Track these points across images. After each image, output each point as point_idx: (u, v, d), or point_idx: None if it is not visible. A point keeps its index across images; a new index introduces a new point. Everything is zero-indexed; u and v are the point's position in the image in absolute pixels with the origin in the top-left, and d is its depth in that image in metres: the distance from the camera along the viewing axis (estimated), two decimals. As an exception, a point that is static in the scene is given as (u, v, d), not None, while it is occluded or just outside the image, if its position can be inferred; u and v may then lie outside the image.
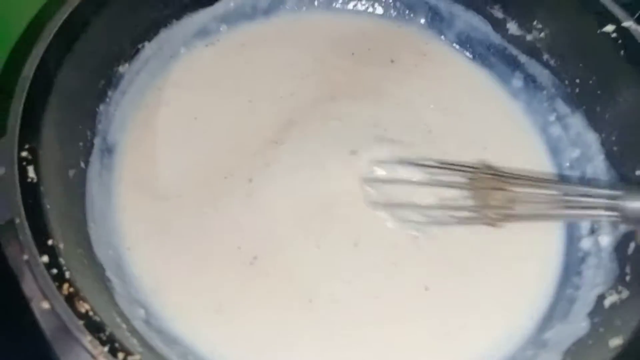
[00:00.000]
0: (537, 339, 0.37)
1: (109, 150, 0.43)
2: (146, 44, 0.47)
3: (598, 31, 0.43)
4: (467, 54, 0.53)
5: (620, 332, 0.32)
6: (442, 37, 0.53)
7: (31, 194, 0.31)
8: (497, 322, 0.39)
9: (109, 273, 0.35)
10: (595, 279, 0.38)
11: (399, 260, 0.40)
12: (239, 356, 0.36)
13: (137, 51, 0.46)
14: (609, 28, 0.42)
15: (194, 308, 0.36)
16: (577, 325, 0.36)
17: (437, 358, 0.37)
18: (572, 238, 0.43)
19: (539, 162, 0.47)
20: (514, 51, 0.50)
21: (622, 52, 0.42)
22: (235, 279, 0.38)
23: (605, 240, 0.40)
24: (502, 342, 0.38)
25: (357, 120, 0.47)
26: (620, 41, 0.42)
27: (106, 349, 0.26)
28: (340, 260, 0.40)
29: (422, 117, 0.48)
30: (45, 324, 0.28)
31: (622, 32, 0.42)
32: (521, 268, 0.42)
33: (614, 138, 0.43)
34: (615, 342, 0.32)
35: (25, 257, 0.28)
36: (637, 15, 0.44)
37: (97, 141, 0.41)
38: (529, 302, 0.40)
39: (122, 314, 0.32)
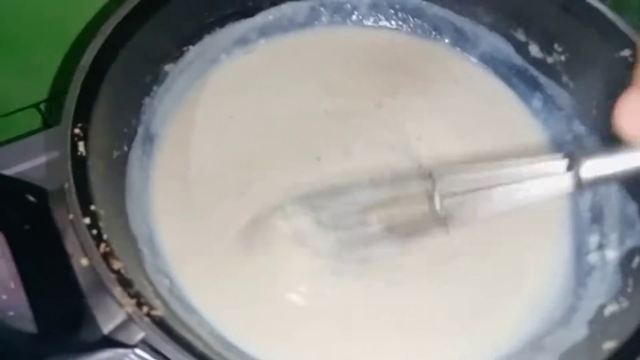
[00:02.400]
0: (535, 344, 0.39)
1: (150, 139, 0.47)
2: (191, 47, 0.51)
3: (615, 55, 0.45)
4: (491, 73, 0.55)
5: (615, 337, 0.33)
6: (467, 55, 0.56)
7: (79, 166, 0.35)
8: (498, 327, 0.40)
9: (141, 245, 0.39)
10: (599, 291, 0.39)
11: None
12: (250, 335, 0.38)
13: (182, 53, 0.50)
14: (626, 52, 0.44)
15: (210, 283, 0.40)
16: (576, 331, 0.37)
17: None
18: (579, 252, 0.44)
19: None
20: (535, 72, 0.52)
21: (637, 76, 0.43)
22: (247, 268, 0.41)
23: (612, 254, 0.41)
24: (501, 346, 0.39)
25: (381, 134, 0.50)
26: (635, 65, 0.43)
27: (133, 301, 0.30)
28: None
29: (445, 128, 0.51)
30: (83, 279, 0.32)
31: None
32: (528, 279, 0.43)
33: (626, 158, 0.44)
34: (609, 345, 0.33)
35: (71, 216, 0.31)
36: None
37: (140, 129, 0.46)
38: (533, 310, 0.41)
39: (149, 280, 0.36)
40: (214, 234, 0.43)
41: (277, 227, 0.44)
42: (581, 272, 0.42)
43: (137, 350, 0.33)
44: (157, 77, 0.48)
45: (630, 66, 0.43)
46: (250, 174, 0.46)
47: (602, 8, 0.46)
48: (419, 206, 0.39)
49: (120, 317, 0.30)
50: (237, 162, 0.47)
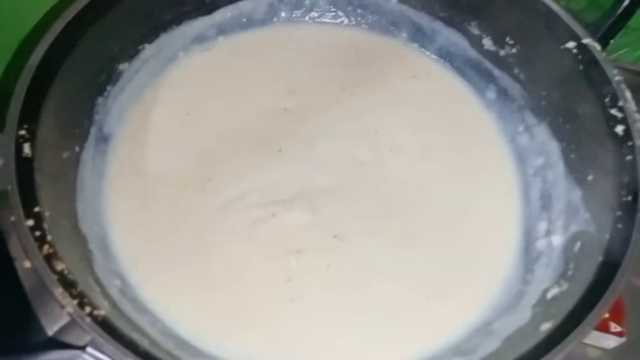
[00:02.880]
0: (484, 329, 0.40)
1: (104, 139, 0.47)
2: (147, 45, 0.51)
3: (561, 47, 0.46)
4: (448, 68, 0.56)
5: (553, 318, 0.34)
6: (424, 50, 0.57)
7: (24, 168, 0.35)
8: (448, 314, 0.41)
9: (91, 246, 0.39)
10: (544, 276, 0.41)
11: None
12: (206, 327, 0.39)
13: (138, 52, 0.50)
14: (571, 44, 0.45)
15: (166, 281, 0.40)
16: (521, 315, 0.38)
17: (386, 342, 0.39)
18: (529, 239, 0.45)
19: (505, 169, 0.50)
20: (489, 65, 0.53)
21: (580, 67, 0.45)
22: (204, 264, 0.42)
23: (558, 240, 0.42)
24: (450, 332, 0.40)
25: (335, 133, 0.50)
26: (580, 57, 0.45)
27: (75, 301, 0.30)
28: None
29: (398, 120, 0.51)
30: (26, 282, 0.32)
31: (582, 48, 0.45)
32: (480, 268, 0.44)
33: (572, 146, 0.45)
34: (546, 326, 0.34)
35: (13, 218, 0.31)
36: (599, 34, 0.47)
37: (93, 130, 0.45)
38: (484, 297, 0.42)
39: (98, 281, 0.36)
40: (171, 231, 0.43)
41: (235, 221, 0.44)
42: (530, 259, 0.43)
43: (89, 350, 0.33)
44: (111, 77, 0.48)
45: (572, 58, 0.45)
46: (210, 169, 0.47)
47: (549, 2, 0.47)
48: None
49: (64, 319, 0.30)
50: (195, 158, 0.47)
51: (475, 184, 0.48)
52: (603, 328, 0.47)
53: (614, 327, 0.47)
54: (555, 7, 0.47)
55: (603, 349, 0.48)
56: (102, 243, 0.40)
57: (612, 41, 0.49)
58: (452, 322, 0.41)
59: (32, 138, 0.37)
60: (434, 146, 0.50)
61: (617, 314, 0.47)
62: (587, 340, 0.48)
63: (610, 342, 0.47)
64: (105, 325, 0.30)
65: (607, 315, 0.48)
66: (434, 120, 0.52)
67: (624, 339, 0.47)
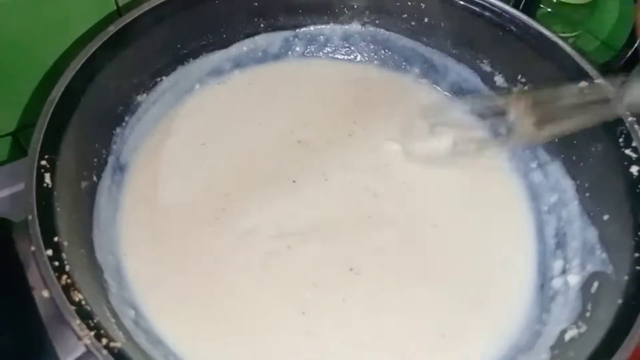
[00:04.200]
0: (501, 369, 0.39)
1: (120, 169, 0.47)
2: (164, 78, 0.52)
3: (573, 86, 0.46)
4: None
5: (572, 361, 0.34)
6: (436, 86, 0.58)
7: (44, 197, 0.35)
8: (462, 352, 0.40)
9: (106, 275, 0.39)
10: (561, 316, 0.40)
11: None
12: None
13: (155, 84, 0.51)
14: (583, 84, 0.46)
15: (179, 312, 0.39)
16: (538, 356, 0.38)
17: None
18: (544, 278, 0.45)
19: (519, 206, 0.50)
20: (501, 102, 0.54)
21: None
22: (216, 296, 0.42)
23: (574, 279, 0.42)
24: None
25: (353, 161, 0.51)
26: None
27: (92, 333, 0.30)
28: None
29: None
30: (44, 311, 0.31)
31: (594, 88, 0.45)
32: (496, 306, 0.44)
33: (587, 185, 0.45)
34: (565, 369, 0.33)
35: (33, 248, 0.31)
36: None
37: (110, 159, 0.46)
38: (500, 337, 0.42)
39: (113, 311, 0.35)
40: (184, 262, 0.43)
41: (249, 253, 0.44)
42: (546, 298, 0.43)
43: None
44: (129, 108, 0.49)
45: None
46: (223, 200, 0.47)
47: (561, 42, 0.48)
48: None
49: (80, 350, 0.30)
50: (209, 188, 0.48)
51: (489, 220, 0.48)
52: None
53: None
54: (567, 47, 0.48)
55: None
56: (116, 272, 0.40)
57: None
58: (465, 360, 0.40)
59: (52, 168, 0.37)
60: (446, 182, 0.51)
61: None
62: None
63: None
64: (121, 358, 0.30)
65: None
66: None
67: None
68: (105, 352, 0.29)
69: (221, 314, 0.41)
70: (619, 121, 0.43)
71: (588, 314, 0.38)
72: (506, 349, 0.41)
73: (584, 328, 0.37)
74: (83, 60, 0.43)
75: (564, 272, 0.43)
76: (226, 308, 0.41)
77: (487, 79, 0.55)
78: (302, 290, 0.42)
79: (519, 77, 0.52)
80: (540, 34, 0.50)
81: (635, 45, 0.48)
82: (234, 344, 0.40)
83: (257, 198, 0.47)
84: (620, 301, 0.36)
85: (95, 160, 0.44)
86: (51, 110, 0.39)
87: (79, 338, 0.29)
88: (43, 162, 0.37)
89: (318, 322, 0.40)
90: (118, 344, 0.30)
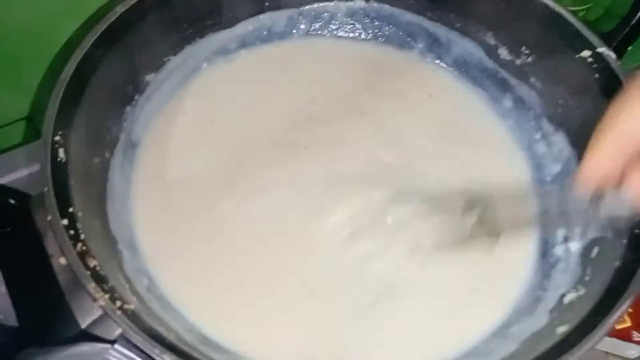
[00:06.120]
0: (501, 333, 0.40)
1: (132, 145, 0.49)
2: (172, 57, 0.53)
3: (576, 56, 0.46)
4: (464, 76, 0.57)
5: (569, 322, 0.35)
6: (439, 62, 0.58)
7: (59, 171, 0.37)
8: (468, 318, 0.42)
9: (120, 246, 0.40)
10: (562, 281, 0.41)
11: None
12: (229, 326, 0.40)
13: (164, 63, 0.52)
14: (586, 53, 0.46)
15: (190, 280, 0.41)
16: (538, 319, 0.39)
17: (403, 347, 0.40)
18: (547, 246, 0.45)
19: (523, 176, 0.50)
20: (505, 74, 0.54)
21: (596, 76, 0.45)
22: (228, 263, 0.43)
23: (575, 246, 0.43)
24: (470, 336, 0.41)
25: (359, 138, 0.52)
26: (595, 65, 0.45)
27: (107, 296, 0.31)
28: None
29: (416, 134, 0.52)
30: (61, 277, 0.33)
31: (597, 57, 0.45)
32: (501, 274, 0.45)
33: (589, 154, 0.46)
34: (562, 329, 0.34)
35: (49, 217, 0.33)
36: (614, 44, 0.48)
37: (122, 136, 0.47)
38: (504, 303, 0.43)
39: (127, 278, 0.37)
40: (194, 230, 0.44)
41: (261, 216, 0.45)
42: (548, 265, 0.44)
43: (117, 346, 0.35)
44: (139, 87, 0.50)
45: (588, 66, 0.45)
46: (234, 169, 0.48)
47: (564, 12, 0.48)
48: None
49: (96, 313, 0.32)
50: (219, 161, 0.49)
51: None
52: (626, 337, 0.47)
53: (637, 336, 0.47)
54: (569, 16, 0.48)
55: (626, 359, 0.47)
56: (130, 243, 0.42)
57: (629, 48, 0.50)
58: (472, 327, 0.42)
59: (66, 144, 0.39)
60: (453, 154, 0.51)
61: (640, 323, 0.47)
62: (609, 350, 0.48)
63: (633, 351, 0.47)
64: (135, 318, 0.31)
65: (629, 324, 0.47)
66: (452, 130, 0.53)
67: (647, 348, 0.47)
68: (119, 312, 0.31)
69: (234, 281, 0.42)
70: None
71: (587, 278, 0.39)
72: (508, 314, 0.42)
73: (582, 291, 0.38)
74: (92, 40, 0.44)
75: (565, 239, 0.44)
76: (239, 276, 0.42)
77: (491, 52, 0.55)
78: (316, 257, 0.43)
79: (523, 48, 0.52)
80: (544, 4, 0.49)
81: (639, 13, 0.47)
82: (248, 314, 0.41)
83: (268, 164, 0.48)
84: (617, 264, 0.36)
85: (108, 137, 0.46)
86: (63, 89, 0.40)
87: (94, 300, 0.31)
88: (57, 138, 0.38)
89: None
90: (132, 306, 0.32)
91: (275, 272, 0.43)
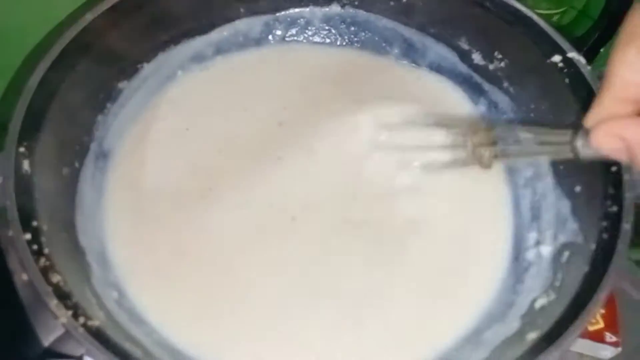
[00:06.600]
0: (473, 339, 0.40)
1: (104, 155, 0.48)
2: (145, 64, 0.52)
3: (547, 61, 0.47)
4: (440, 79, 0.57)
5: (539, 328, 0.35)
6: (415, 65, 0.58)
7: (23, 183, 0.36)
8: (439, 323, 0.42)
9: (89, 258, 0.40)
10: (533, 286, 0.41)
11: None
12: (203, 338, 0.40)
13: (137, 70, 0.52)
14: (556, 58, 0.46)
15: (163, 291, 0.41)
16: (510, 325, 0.39)
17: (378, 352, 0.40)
18: (519, 249, 0.45)
19: (496, 178, 0.51)
20: (479, 79, 0.54)
21: (566, 80, 0.46)
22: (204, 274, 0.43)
23: (546, 250, 0.43)
24: (441, 341, 0.41)
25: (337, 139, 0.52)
26: (565, 70, 0.46)
27: (69, 312, 0.31)
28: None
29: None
30: (23, 294, 0.33)
31: (567, 62, 0.46)
32: (471, 278, 0.45)
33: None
34: (532, 335, 0.34)
35: (10, 233, 0.33)
36: (587, 46, 0.48)
37: (93, 146, 0.47)
38: (475, 307, 0.43)
39: (95, 292, 0.37)
40: (169, 241, 0.44)
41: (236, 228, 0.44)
42: (520, 269, 0.44)
43: (85, 360, 0.34)
44: (111, 95, 0.49)
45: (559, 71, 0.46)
46: (209, 180, 0.48)
47: (535, 17, 0.48)
48: None
49: (60, 330, 0.31)
50: (194, 171, 0.48)
51: (467, 194, 0.49)
52: (599, 338, 0.47)
53: (610, 337, 0.47)
54: (541, 22, 0.48)
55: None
56: (100, 255, 0.41)
57: (602, 50, 0.50)
58: (443, 332, 0.42)
59: (31, 155, 0.38)
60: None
61: (612, 325, 0.48)
62: (583, 351, 0.48)
63: (607, 352, 0.47)
64: (99, 335, 0.31)
65: (602, 325, 0.48)
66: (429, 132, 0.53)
67: (619, 349, 0.47)
68: (82, 330, 0.30)
69: (211, 293, 0.42)
70: (591, 94, 0.43)
71: (557, 283, 0.39)
72: (480, 319, 0.42)
73: (553, 296, 0.38)
74: (62, 47, 0.43)
75: (537, 243, 0.44)
76: (217, 287, 0.42)
77: (465, 57, 0.55)
78: (291, 267, 0.43)
79: (496, 54, 0.53)
80: (516, 9, 0.50)
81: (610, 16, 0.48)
82: (223, 326, 0.41)
83: (244, 176, 0.48)
84: (587, 269, 0.37)
85: (77, 147, 0.45)
86: (29, 97, 0.40)
87: (56, 317, 0.30)
88: (22, 150, 0.38)
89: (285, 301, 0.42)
90: (97, 322, 0.31)
91: (249, 284, 0.42)
